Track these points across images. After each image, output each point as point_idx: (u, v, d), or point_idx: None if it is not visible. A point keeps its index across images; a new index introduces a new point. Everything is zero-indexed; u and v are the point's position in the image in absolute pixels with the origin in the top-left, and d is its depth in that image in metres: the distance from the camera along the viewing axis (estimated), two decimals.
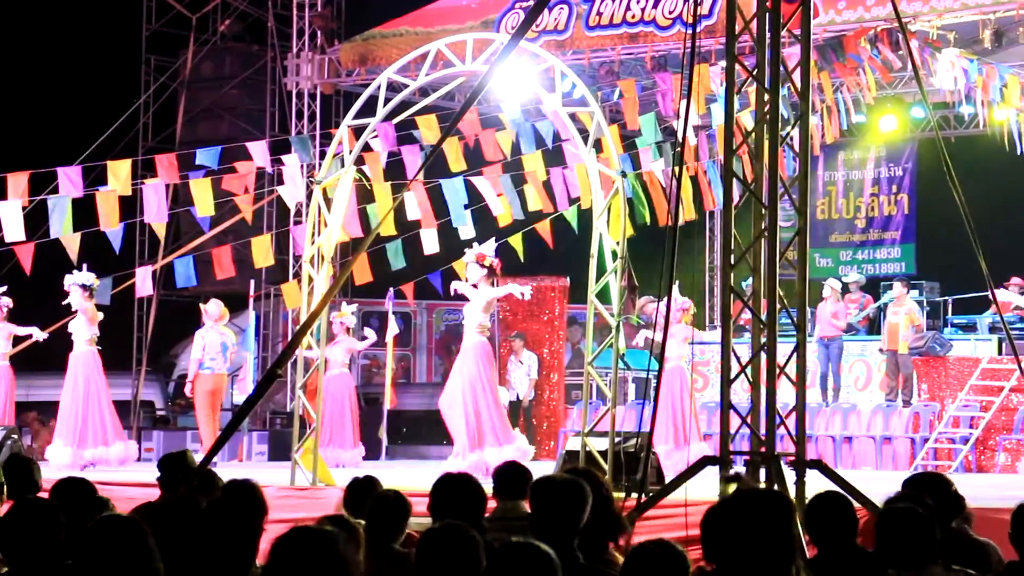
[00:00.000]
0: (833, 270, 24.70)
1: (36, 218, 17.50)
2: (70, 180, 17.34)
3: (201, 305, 18.35)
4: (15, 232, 17.11)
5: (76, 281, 17.07)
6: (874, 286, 22.36)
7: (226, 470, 13.84)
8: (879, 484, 10.05)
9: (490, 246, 15.43)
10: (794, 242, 10.08)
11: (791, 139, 10.74)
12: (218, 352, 17.85)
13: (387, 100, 14.21)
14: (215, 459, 12.71)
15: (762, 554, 4.58)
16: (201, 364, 17.78)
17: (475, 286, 15.29)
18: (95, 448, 16.93)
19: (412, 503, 7.10)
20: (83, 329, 17.15)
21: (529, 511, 6.49)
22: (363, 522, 7.09)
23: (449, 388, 15.61)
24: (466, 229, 18.21)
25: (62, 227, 17.18)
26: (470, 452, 15.01)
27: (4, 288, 17.93)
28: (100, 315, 17.33)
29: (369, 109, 14.35)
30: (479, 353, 15.30)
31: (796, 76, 10.06)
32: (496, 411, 15.23)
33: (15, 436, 16.24)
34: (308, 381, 14.78)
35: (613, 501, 6.78)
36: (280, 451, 20.30)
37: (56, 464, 16.33)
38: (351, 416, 19.60)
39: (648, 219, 16.03)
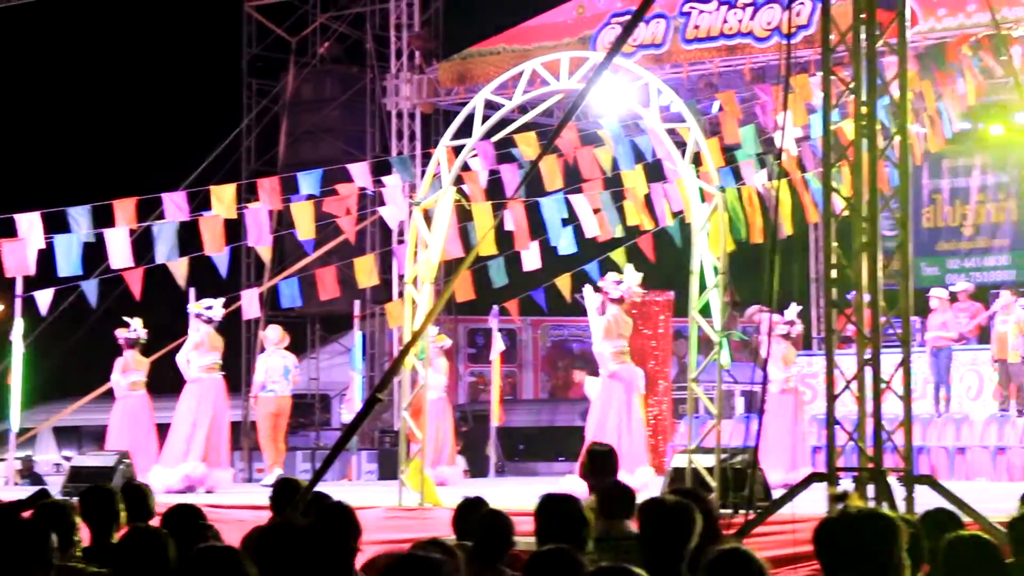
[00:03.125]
0: (940, 279, 24.37)
1: (143, 244, 17.72)
2: (176, 205, 17.54)
3: (261, 332, 18.61)
4: (122, 258, 17.31)
5: (194, 310, 17.40)
6: (982, 294, 22.04)
7: (335, 489, 13.94)
8: (993, 496, 9.93)
9: (633, 275, 15.53)
10: (897, 254, 9.98)
11: (892, 149, 10.63)
12: (280, 375, 18.30)
13: (485, 118, 14.25)
14: (324, 478, 12.63)
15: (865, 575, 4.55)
16: (264, 387, 18.19)
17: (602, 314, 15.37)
18: (196, 472, 17.02)
19: (516, 522, 7.11)
20: (200, 356, 17.36)
21: (634, 531, 6.47)
22: (469, 544, 7.12)
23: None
24: (566, 245, 18.22)
25: (168, 252, 17.37)
26: None
27: (139, 321, 18.09)
28: (220, 342, 17.56)
29: (467, 129, 14.40)
30: (605, 392, 15.40)
31: (894, 87, 9.96)
32: (629, 439, 15.25)
33: (127, 461, 16.44)
34: (413, 401, 14.85)
35: (717, 522, 6.75)
36: (389, 470, 20.38)
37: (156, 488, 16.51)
38: (449, 435, 19.58)
39: (744, 235, 15.91)
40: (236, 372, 24.41)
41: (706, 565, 5.12)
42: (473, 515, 7.62)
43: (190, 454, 17.10)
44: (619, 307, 15.49)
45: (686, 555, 6.00)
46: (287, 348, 18.83)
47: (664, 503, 6.25)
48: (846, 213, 10.29)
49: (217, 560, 5.13)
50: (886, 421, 10.10)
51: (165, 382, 18.46)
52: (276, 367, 18.39)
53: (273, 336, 18.58)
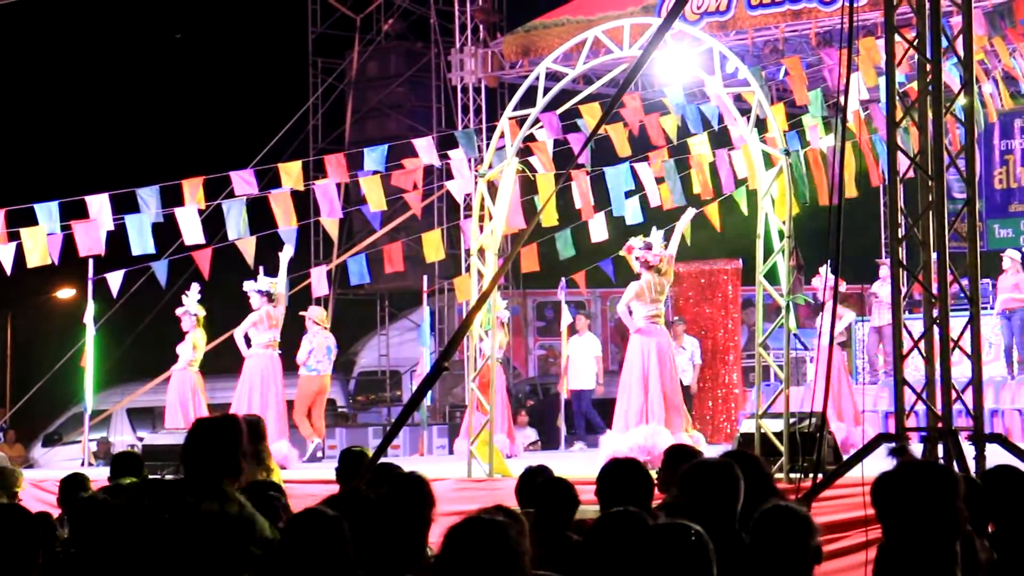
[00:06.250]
0: (1014, 240, 24.09)
1: (212, 223, 17.80)
2: (245, 182, 17.63)
3: (302, 313, 18.64)
4: (194, 236, 17.42)
5: (253, 288, 17.41)
6: None
7: (407, 464, 13.92)
8: None
9: (656, 236, 15.29)
10: (964, 213, 9.87)
11: (960, 109, 10.50)
12: (324, 355, 18.38)
13: (548, 90, 14.20)
14: (396, 453, 12.62)
15: (924, 527, 4.52)
16: (307, 366, 18.24)
17: (638, 276, 15.17)
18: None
19: (580, 491, 7.10)
20: (259, 333, 17.43)
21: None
22: (531, 510, 7.12)
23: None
24: (632, 215, 18.16)
25: (239, 229, 17.45)
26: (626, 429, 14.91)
27: (199, 296, 18.08)
28: (279, 318, 17.57)
29: (531, 100, 14.35)
30: (633, 348, 15.20)
31: (960, 44, 9.85)
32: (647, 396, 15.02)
33: None
34: (480, 373, 14.86)
35: (772, 479, 6.70)
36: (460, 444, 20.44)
37: None
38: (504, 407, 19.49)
39: (810, 198, 15.76)
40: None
41: (755, 521, 5.11)
42: (535, 483, 7.63)
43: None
44: (652, 272, 15.19)
45: (736, 513, 5.97)
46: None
47: (703, 464, 6.24)
48: (911, 174, 10.20)
49: (320, 524, 5.25)
50: (957, 383, 10.01)
51: (232, 361, 18.50)
52: (320, 347, 18.47)
53: (318, 315, 18.64)
